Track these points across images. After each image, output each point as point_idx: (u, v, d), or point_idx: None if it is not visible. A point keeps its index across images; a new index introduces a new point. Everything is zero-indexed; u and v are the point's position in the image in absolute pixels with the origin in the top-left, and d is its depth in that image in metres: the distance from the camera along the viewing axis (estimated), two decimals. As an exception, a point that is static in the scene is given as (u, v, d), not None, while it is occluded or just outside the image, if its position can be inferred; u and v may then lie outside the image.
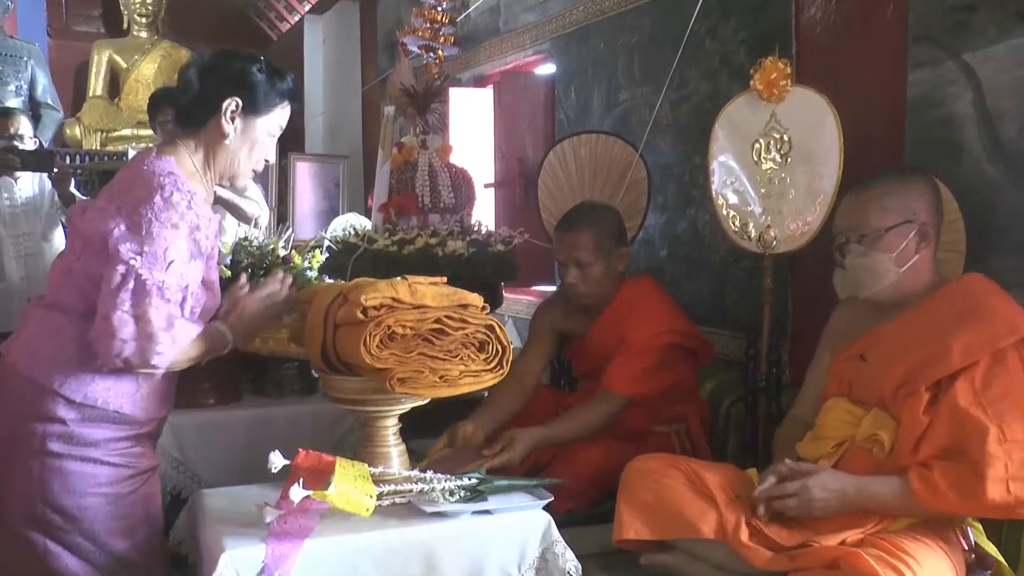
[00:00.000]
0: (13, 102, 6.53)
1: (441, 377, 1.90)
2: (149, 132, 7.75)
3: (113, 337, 1.79)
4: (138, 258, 1.81)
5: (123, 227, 1.84)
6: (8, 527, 1.92)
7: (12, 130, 4.00)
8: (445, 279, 2.03)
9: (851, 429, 2.02)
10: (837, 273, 2.38)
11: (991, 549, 1.93)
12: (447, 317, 1.90)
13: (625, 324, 2.68)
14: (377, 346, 1.83)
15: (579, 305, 2.82)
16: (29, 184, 4.15)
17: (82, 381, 1.88)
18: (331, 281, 3.25)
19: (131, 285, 1.80)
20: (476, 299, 1.98)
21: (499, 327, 1.96)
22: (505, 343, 1.96)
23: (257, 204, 4.02)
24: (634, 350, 2.62)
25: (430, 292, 1.93)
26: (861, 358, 2.07)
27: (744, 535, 1.94)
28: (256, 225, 3.94)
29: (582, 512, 2.47)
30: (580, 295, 2.76)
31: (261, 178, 6.18)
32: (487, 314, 1.99)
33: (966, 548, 1.89)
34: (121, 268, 1.81)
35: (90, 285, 1.87)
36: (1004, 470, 1.75)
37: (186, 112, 2.02)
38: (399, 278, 1.96)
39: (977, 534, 1.94)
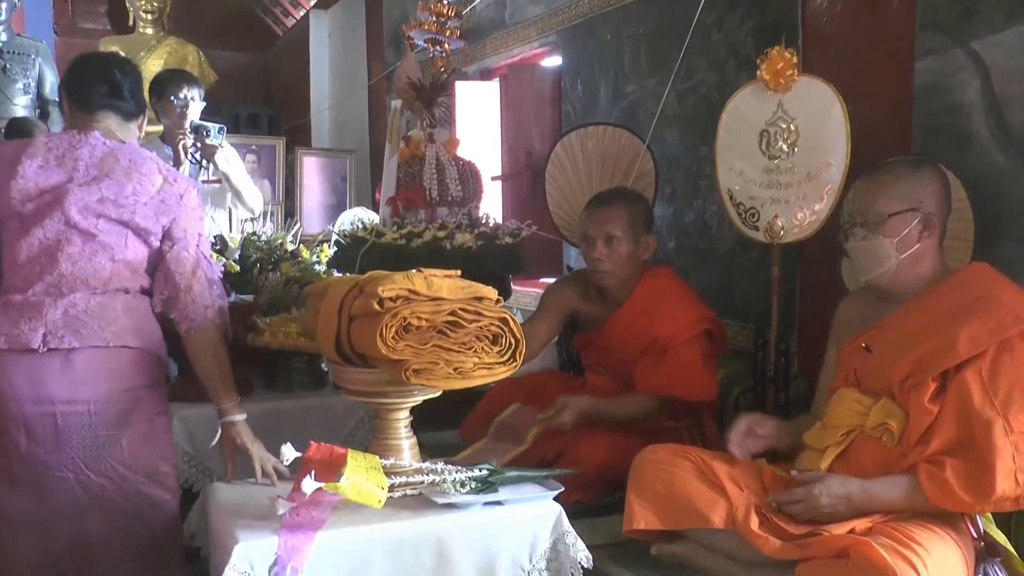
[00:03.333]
0: (21, 100, 6.54)
1: (455, 369, 1.90)
2: (155, 128, 7.75)
3: (206, 301, 2.25)
4: (198, 237, 2.28)
5: (178, 217, 2.24)
6: (133, 496, 2.17)
7: None
8: (459, 272, 2.04)
9: (860, 418, 2.02)
10: (845, 262, 2.38)
11: (1000, 537, 1.93)
12: (462, 309, 1.91)
13: (652, 320, 2.67)
14: (393, 337, 1.84)
15: (597, 290, 2.82)
16: None
17: (163, 345, 2.28)
18: (339, 275, 3.26)
19: (204, 263, 2.28)
20: (490, 292, 1.99)
21: (512, 320, 1.96)
22: (518, 336, 1.96)
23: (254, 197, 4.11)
24: (673, 351, 2.63)
25: (446, 284, 1.94)
26: (867, 349, 2.07)
27: (754, 524, 1.95)
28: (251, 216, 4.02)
29: (591, 503, 2.48)
30: (604, 272, 2.74)
31: (268, 172, 6.19)
32: (501, 307, 1.99)
33: (975, 536, 1.89)
34: (193, 251, 2.26)
35: (144, 268, 2.25)
36: (1012, 461, 1.76)
37: (132, 104, 2.35)
38: (414, 270, 1.96)
39: (986, 522, 1.94)
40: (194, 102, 4.11)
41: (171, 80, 4.14)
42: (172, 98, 4.05)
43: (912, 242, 2.00)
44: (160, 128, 4.15)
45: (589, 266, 2.79)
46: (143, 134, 2.43)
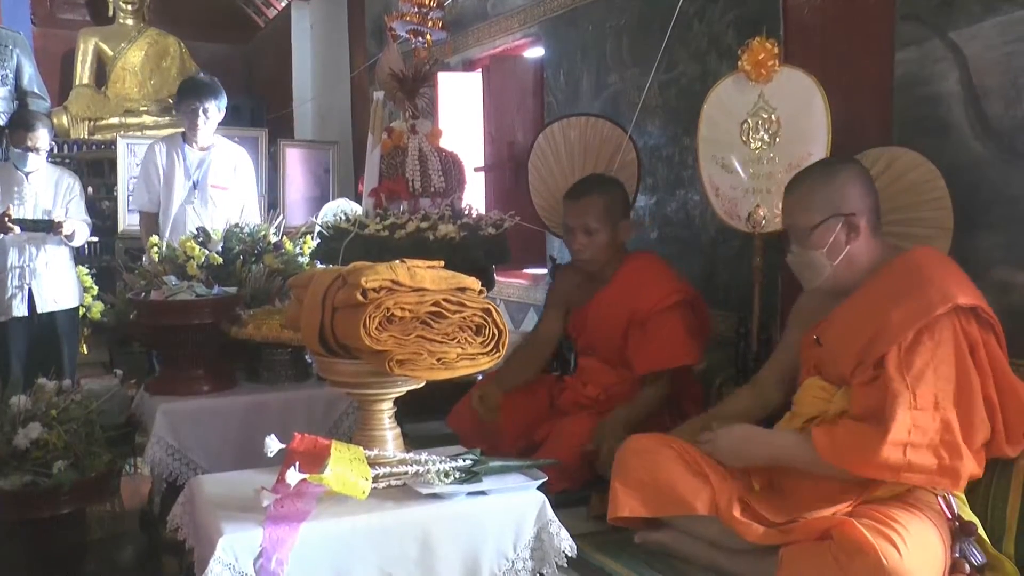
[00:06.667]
0: (-1, 92, 6.50)
1: (439, 360, 1.91)
2: (137, 120, 7.74)
3: None
4: None
5: None
6: None
7: (30, 143, 4.07)
8: (443, 263, 2.04)
9: (825, 404, 2.07)
10: None
11: (972, 518, 1.96)
12: (445, 300, 1.91)
13: (634, 296, 2.76)
14: (376, 328, 1.84)
15: (587, 275, 2.92)
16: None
17: None
18: (323, 267, 3.26)
19: None
20: (474, 283, 1.99)
21: (495, 311, 1.96)
22: (501, 327, 1.96)
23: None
24: (653, 322, 2.70)
25: (429, 275, 1.94)
26: (817, 342, 2.11)
27: (736, 511, 1.97)
28: None
29: (576, 491, 2.49)
30: (585, 261, 2.85)
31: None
32: (484, 298, 2.00)
33: (950, 517, 1.91)
34: None
35: None
36: (907, 435, 1.80)
37: None
38: (398, 261, 1.96)
39: (960, 505, 1.96)
40: (206, 114, 4.15)
41: (188, 90, 4.21)
42: (184, 108, 4.15)
43: (841, 247, 2.05)
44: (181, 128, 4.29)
45: (571, 255, 2.91)
46: None
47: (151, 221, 4.27)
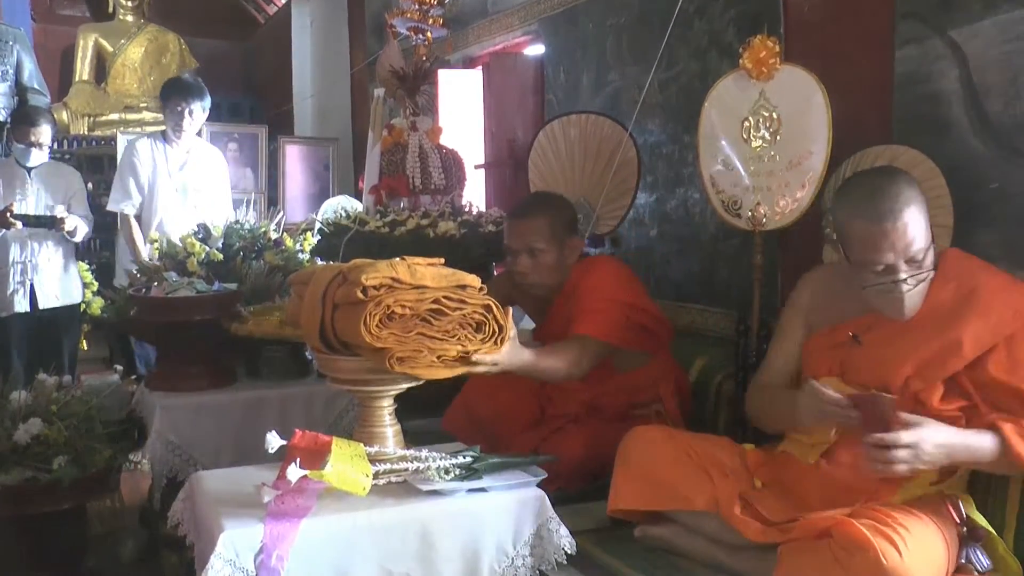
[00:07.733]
0: (-1, 88, 6.51)
1: (439, 357, 1.91)
2: (136, 116, 7.75)
3: None
4: None
5: None
6: None
7: (33, 138, 4.10)
8: (443, 260, 2.04)
9: None
10: (827, 250, 2.37)
11: (982, 521, 1.95)
12: (445, 297, 1.91)
13: (578, 300, 2.62)
14: (377, 325, 1.84)
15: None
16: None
17: None
18: (323, 263, 3.27)
19: None
20: (474, 280, 1.99)
21: (496, 307, 1.97)
22: (502, 323, 1.97)
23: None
24: (585, 307, 2.57)
25: (429, 272, 1.94)
26: (854, 340, 2.01)
27: (737, 508, 1.97)
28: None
29: (574, 492, 2.50)
30: (530, 284, 2.70)
31: (250, 161, 6.21)
32: (484, 294, 2.00)
33: (958, 521, 1.90)
34: None
35: None
36: None
37: None
38: (398, 259, 1.97)
39: (968, 506, 1.95)
40: (191, 115, 4.18)
41: (175, 90, 4.25)
42: (171, 108, 4.19)
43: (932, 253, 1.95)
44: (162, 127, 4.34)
45: (515, 278, 2.73)
46: None
47: (133, 223, 4.28)
